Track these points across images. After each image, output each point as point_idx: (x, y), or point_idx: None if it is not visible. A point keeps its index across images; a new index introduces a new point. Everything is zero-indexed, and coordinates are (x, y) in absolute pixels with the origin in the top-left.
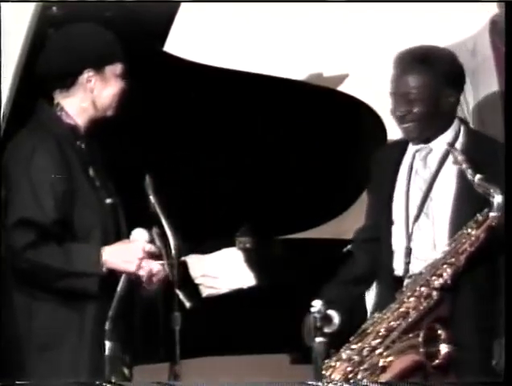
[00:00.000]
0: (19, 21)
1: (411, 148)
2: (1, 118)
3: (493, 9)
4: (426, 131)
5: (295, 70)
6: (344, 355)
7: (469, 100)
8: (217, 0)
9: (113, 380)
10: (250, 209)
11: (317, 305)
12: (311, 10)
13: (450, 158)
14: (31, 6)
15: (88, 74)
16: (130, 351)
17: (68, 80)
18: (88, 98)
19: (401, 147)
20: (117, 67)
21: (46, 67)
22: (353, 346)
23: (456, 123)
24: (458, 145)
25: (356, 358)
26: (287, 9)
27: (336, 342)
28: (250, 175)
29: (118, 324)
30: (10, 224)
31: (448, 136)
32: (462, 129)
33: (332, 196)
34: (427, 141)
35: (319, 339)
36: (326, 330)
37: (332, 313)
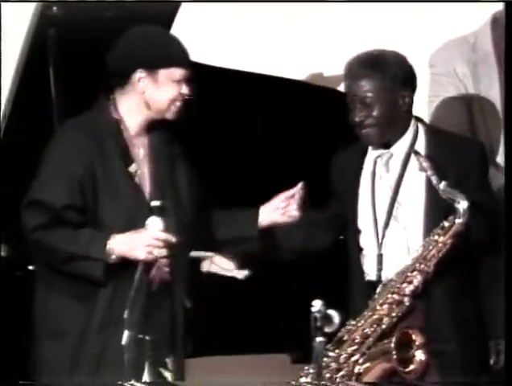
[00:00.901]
0: (19, 21)
1: (372, 153)
2: (1, 118)
3: (495, 6)
4: (386, 134)
5: (296, 70)
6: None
7: (470, 92)
8: (217, 0)
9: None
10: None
11: (317, 305)
12: (311, 10)
13: (412, 162)
14: (31, 6)
15: (140, 74)
16: (171, 350)
17: (122, 78)
18: (139, 98)
19: (360, 152)
20: (175, 73)
21: (109, 63)
22: (331, 354)
23: (413, 123)
24: (419, 144)
25: (333, 365)
26: (288, 9)
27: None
28: (251, 175)
29: (150, 321)
30: (24, 205)
31: (407, 138)
32: (420, 128)
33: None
34: (387, 146)
35: (319, 339)
36: (326, 329)
37: (333, 313)
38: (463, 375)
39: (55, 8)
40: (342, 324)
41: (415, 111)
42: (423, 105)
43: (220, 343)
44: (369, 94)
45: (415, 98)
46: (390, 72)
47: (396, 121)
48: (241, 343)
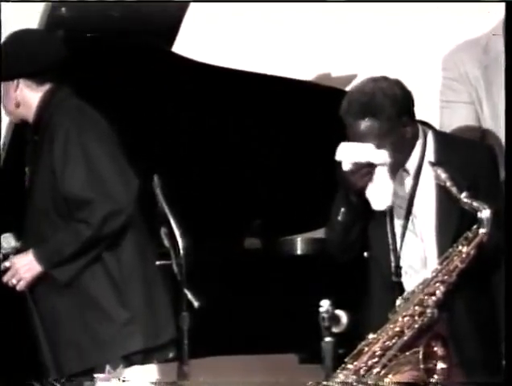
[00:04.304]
0: (20, 21)
1: None
2: (1, 125)
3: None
4: (400, 162)
5: (303, 70)
6: (341, 376)
7: (482, 95)
8: (222, 0)
9: None
10: (258, 209)
11: (325, 305)
12: (317, 10)
13: (423, 173)
14: (31, 6)
15: None
16: None
17: None
18: None
19: None
20: None
21: None
22: (349, 367)
23: (421, 133)
24: (429, 152)
25: (353, 377)
26: (295, 9)
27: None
28: (258, 175)
29: None
30: None
31: (417, 150)
32: (429, 134)
33: None
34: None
35: (327, 339)
36: (334, 329)
37: (340, 313)
38: (479, 377)
39: (63, 9)
40: (351, 326)
41: (426, 116)
42: (435, 110)
43: (228, 343)
44: (378, 136)
45: (426, 103)
46: (386, 114)
47: (404, 145)
48: (250, 343)
